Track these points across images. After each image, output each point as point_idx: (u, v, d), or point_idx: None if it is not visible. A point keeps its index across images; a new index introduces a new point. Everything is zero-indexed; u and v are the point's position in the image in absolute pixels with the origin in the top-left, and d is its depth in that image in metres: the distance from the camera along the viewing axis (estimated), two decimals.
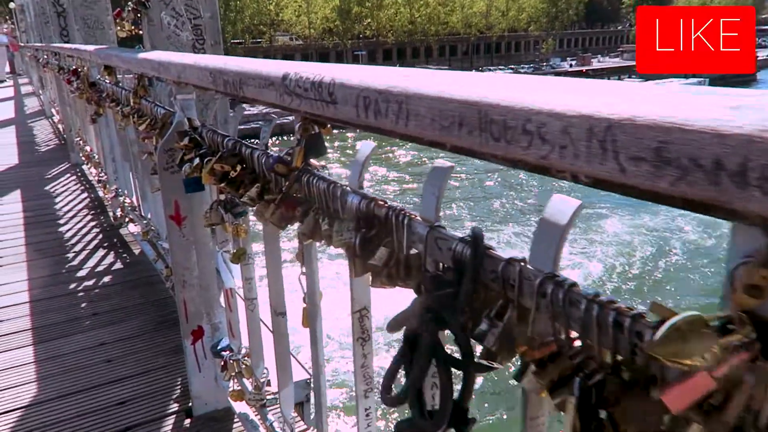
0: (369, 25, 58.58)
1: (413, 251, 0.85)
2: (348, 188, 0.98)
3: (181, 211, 1.86)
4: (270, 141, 1.40)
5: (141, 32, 3.72)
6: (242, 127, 1.55)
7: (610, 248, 16.91)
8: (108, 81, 3.23)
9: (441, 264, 0.80)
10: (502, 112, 0.52)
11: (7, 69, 18.47)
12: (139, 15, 3.56)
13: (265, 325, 1.80)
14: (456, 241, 0.73)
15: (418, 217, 0.83)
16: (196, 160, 1.55)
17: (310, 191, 1.07)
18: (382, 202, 0.90)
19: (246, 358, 1.85)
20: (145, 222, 3.36)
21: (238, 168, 1.36)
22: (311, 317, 1.25)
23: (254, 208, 1.26)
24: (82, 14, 6.87)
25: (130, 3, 3.57)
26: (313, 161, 1.12)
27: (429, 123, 0.61)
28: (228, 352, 1.92)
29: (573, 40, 78.24)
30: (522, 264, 0.65)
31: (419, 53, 65.05)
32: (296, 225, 1.19)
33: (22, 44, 15.55)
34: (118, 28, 3.70)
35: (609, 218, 19.45)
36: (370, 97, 0.71)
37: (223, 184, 1.36)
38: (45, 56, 7.47)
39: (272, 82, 0.96)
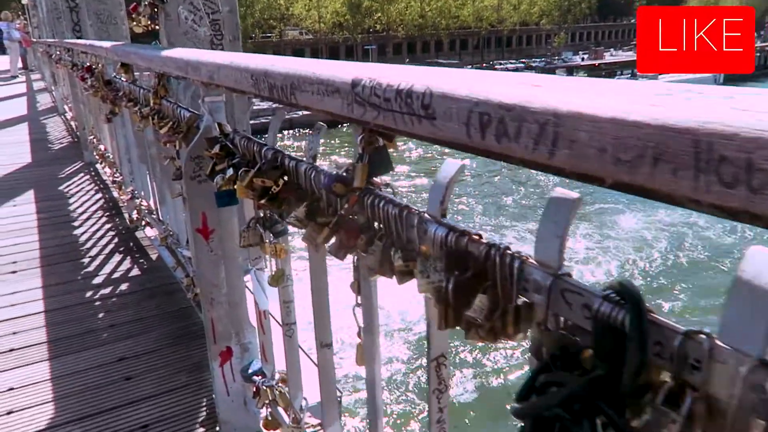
0: (379, 19, 58.21)
1: (521, 300, 0.68)
2: (427, 216, 0.82)
3: (209, 224, 1.71)
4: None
5: (157, 27, 3.58)
6: (252, 122, 1.39)
7: (626, 244, 16.66)
8: (124, 79, 3.08)
9: (563, 319, 0.64)
10: (747, 146, 0.35)
11: (20, 65, 18.42)
12: (156, 9, 3.41)
13: (303, 351, 1.65)
14: (598, 299, 0.56)
15: (532, 260, 0.66)
16: (230, 171, 1.39)
17: (375, 215, 0.91)
18: (476, 236, 0.74)
19: (280, 385, 1.70)
20: (163, 227, 3.22)
21: (281, 182, 1.20)
22: (368, 355, 1.09)
23: (302, 230, 1.10)
24: (95, 9, 6.75)
25: None
26: (375, 179, 0.96)
27: (595, 154, 0.45)
28: (260, 377, 1.77)
29: (585, 33, 77.46)
30: (711, 340, 0.48)
31: (429, 47, 64.68)
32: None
33: (35, 40, 15.48)
34: (134, 23, 3.56)
35: (623, 213, 19.18)
36: (490, 115, 0.54)
37: (263, 201, 1.20)
38: (57, 52, 7.35)
39: (337, 89, 0.80)
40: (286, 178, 1.21)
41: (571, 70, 56.26)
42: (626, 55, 64.26)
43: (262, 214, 1.33)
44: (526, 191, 21.82)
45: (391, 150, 0.94)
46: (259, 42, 53.06)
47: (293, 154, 1.22)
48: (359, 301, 1.10)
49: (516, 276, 0.66)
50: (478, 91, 0.56)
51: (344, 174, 0.94)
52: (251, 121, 3.46)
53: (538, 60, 63.59)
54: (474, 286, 0.72)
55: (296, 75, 0.91)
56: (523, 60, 64.06)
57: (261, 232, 1.31)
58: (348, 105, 0.78)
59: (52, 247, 3.76)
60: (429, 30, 61.40)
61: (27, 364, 2.46)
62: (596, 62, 58.52)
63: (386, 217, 0.89)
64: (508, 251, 0.69)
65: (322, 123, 1.13)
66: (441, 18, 61.23)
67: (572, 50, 69.31)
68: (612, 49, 71.24)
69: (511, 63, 62.12)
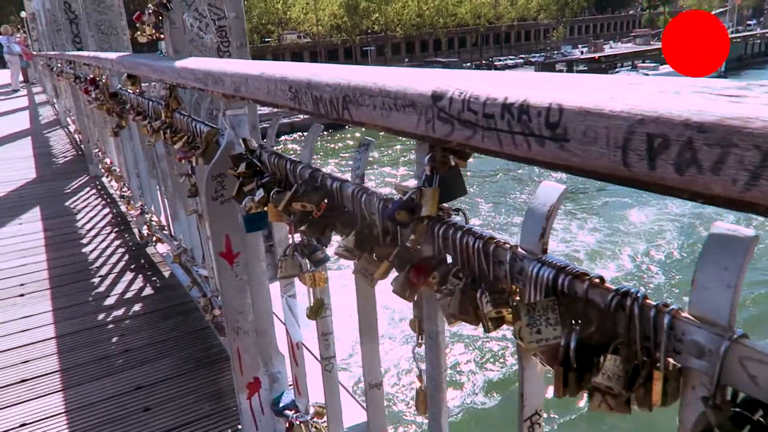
0: (377, 20, 58.11)
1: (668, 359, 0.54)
2: (522, 251, 0.68)
3: (233, 248, 1.57)
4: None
5: (162, 36, 3.45)
6: None
7: (636, 238, 16.48)
8: (131, 91, 2.95)
9: (730, 389, 0.50)
10: None
11: (21, 78, 18.36)
12: (160, 18, 3.29)
13: (345, 388, 1.51)
14: None
15: (686, 314, 0.52)
16: (260, 192, 1.25)
17: (450, 248, 0.77)
18: (597, 280, 0.60)
19: (315, 420, 1.56)
20: (176, 243, 3.08)
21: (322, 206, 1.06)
22: (433, 403, 0.95)
23: (354, 261, 0.96)
24: (96, 20, 6.63)
25: (150, 5, 3.30)
26: (444, 204, 0.82)
27: None
28: (293, 412, 1.63)
29: (584, 27, 77.24)
30: None
31: (428, 46, 64.60)
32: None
33: (35, 53, 15.39)
34: (139, 33, 3.43)
35: (633, 207, 18.98)
36: (666, 136, 0.40)
37: (303, 227, 1.06)
38: (59, 65, 7.23)
39: (412, 103, 0.65)
40: (326, 200, 1.07)
41: (571, 64, 56.05)
42: (626, 47, 63.93)
43: (299, 240, 1.19)
44: (529, 189, 21.61)
45: (462, 169, 0.80)
46: (259, 47, 52.99)
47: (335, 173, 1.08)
48: (421, 341, 0.96)
49: (665, 335, 0.52)
50: (641, 104, 0.42)
51: (411, 199, 0.80)
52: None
53: (537, 55, 63.37)
54: (601, 345, 0.57)
55: (352, 86, 0.77)
56: (522, 56, 63.87)
57: (299, 260, 1.17)
58: (428, 122, 0.64)
59: (61, 267, 3.63)
60: (427, 29, 61.28)
61: (39, 396, 2.32)
62: (596, 55, 58.18)
63: (464, 251, 0.75)
64: (649, 301, 0.55)
65: (369, 138, 0.99)
66: (438, 17, 61.10)
67: (571, 44, 69.12)
68: (611, 42, 70.97)
69: (510, 59, 61.92)
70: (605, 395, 0.57)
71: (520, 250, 0.68)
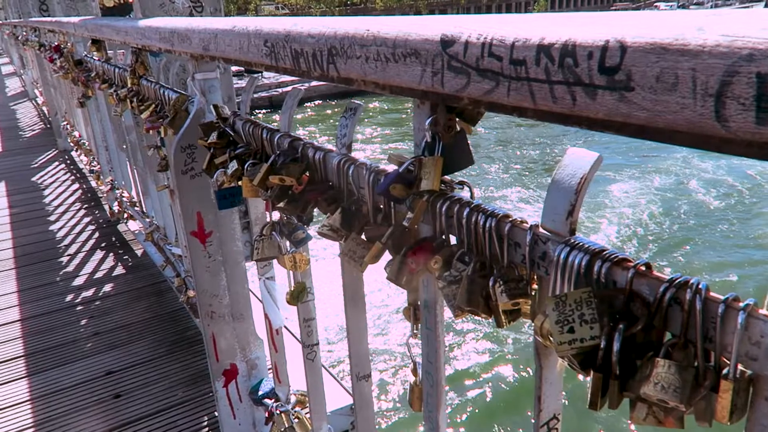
0: None
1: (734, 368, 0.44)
2: (545, 231, 0.57)
3: (205, 226, 1.44)
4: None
5: (130, 0, 3.26)
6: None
7: (621, 214, 16.53)
8: (96, 58, 2.77)
9: None
10: None
11: None
12: None
13: (327, 370, 1.41)
14: None
15: (764, 311, 0.42)
16: (233, 165, 1.12)
17: (454, 227, 0.66)
18: (643, 267, 0.49)
19: (297, 409, 1.46)
20: (147, 221, 2.93)
21: (303, 179, 0.94)
22: (430, 400, 0.85)
23: (340, 242, 0.85)
24: None
25: None
26: (446, 176, 0.70)
27: None
28: (272, 401, 1.52)
29: (565, 0, 76.84)
30: None
31: None
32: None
33: (1, 22, 14.80)
34: None
35: (615, 182, 19.01)
36: None
37: (282, 204, 0.94)
38: (24, 33, 6.91)
39: (415, 51, 0.54)
40: (307, 173, 0.95)
41: None
42: None
43: (277, 218, 1.07)
44: (522, 153, 21.47)
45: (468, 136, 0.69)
46: None
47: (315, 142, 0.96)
48: (416, 331, 0.85)
49: (738, 336, 0.42)
50: (749, 33, 0.31)
51: (408, 171, 0.68)
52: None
53: None
54: (649, 347, 0.47)
55: (339, 36, 0.65)
56: None
57: (278, 241, 1.05)
58: (435, 75, 0.52)
59: (27, 245, 3.46)
60: (407, 2, 60.43)
61: (2, 383, 2.19)
62: None
63: (472, 231, 0.64)
64: (713, 294, 0.44)
65: (357, 102, 0.87)
66: None
67: None
68: None
69: None
70: (653, 407, 0.47)
71: (542, 230, 0.57)
